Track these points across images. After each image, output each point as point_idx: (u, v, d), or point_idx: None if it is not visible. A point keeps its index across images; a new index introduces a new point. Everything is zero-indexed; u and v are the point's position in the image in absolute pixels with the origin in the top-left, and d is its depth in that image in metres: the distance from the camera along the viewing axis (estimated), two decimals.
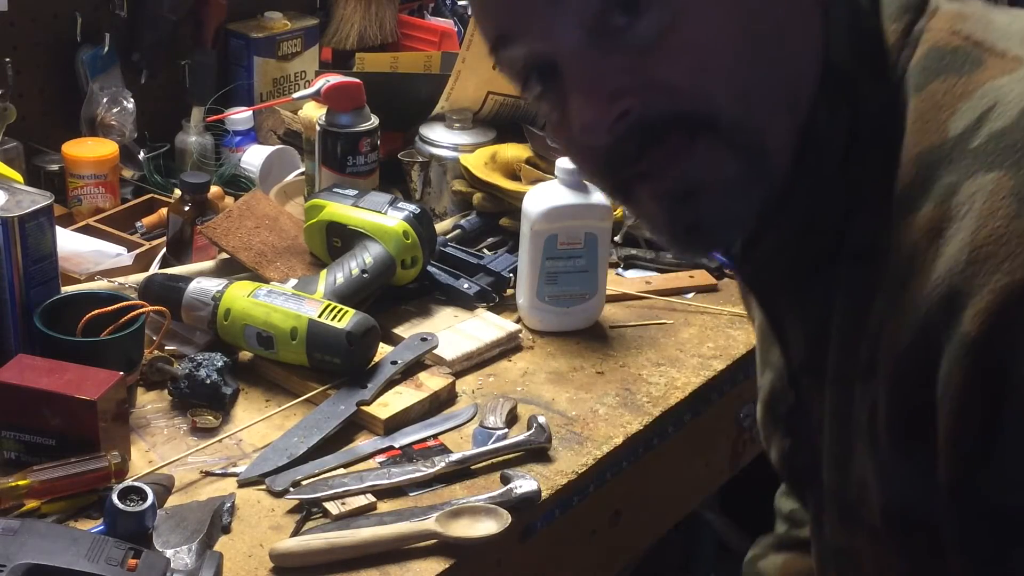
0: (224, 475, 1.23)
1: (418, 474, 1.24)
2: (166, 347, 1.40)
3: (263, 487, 1.22)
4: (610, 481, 1.34)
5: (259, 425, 1.31)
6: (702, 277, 1.68)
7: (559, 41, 0.78)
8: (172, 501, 1.18)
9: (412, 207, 1.53)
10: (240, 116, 1.92)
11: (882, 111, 0.78)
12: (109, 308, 1.31)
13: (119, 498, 1.07)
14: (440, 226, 1.66)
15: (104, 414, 1.18)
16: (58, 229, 1.35)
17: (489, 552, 1.19)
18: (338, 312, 1.35)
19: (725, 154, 0.77)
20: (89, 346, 1.27)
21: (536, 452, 1.30)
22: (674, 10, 0.76)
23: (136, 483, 1.10)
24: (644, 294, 1.63)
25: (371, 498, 1.21)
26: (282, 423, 1.32)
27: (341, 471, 1.25)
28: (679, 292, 1.65)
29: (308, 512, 1.19)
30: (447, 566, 1.14)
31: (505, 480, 1.24)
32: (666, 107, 0.76)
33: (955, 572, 0.74)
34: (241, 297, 1.39)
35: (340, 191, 1.56)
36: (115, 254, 1.57)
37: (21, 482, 1.13)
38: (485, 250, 1.67)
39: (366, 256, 1.48)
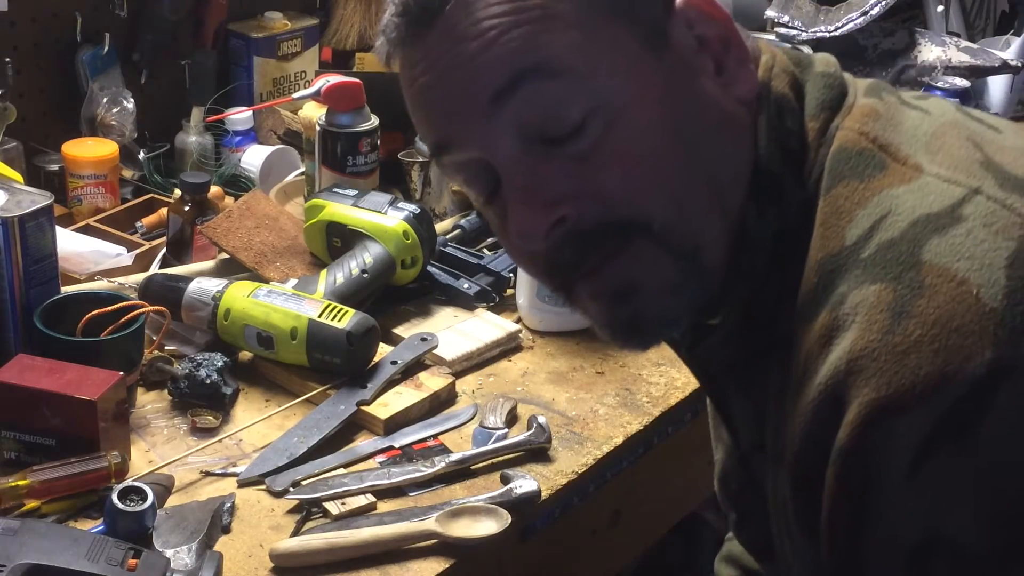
0: (224, 475, 1.23)
1: (418, 474, 1.24)
2: (166, 347, 1.40)
3: (263, 487, 1.22)
4: (610, 481, 1.34)
5: (259, 425, 1.31)
6: None
7: (496, 150, 0.80)
8: (172, 501, 1.18)
9: (412, 207, 1.53)
10: (240, 116, 1.92)
11: (800, 209, 0.81)
12: (109, 308, 1.31)
13: (119, 498, 1.07)
14: (440, 226, 1.66)
15: (104, 414, 1.18)
16: (58, 229, 1.35)
17: (489, 552, 1.19)
18: (338, 312, 1.35)
19: (659, 255, 0.80)
20: (89, 346, 1.27)
21: (536, 452, 1.30)
22: (607, 120, 0.78)
23: (136, 483, 1.10)
24: None
25: (371, 498, 1.21)
26: (282, 423, 1.32)
27: (341, 471, 1.25)
28: None
29: (308, 512, 1.19)
30: (447, 566, 1.14)
31: (505, 480, 1.24)
32: (600, 214, 0.79)
33: None
34: (241, 297, 1.39)
35: (340, 191, 1.56)
36: (115, 254, 1.56)
37: (21, 482, 1.13)
38: (485, 250, 1.67)
39: (366, 256, 1.48)
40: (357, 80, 1.65)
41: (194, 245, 1.58)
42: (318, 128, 1.65)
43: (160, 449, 1.27)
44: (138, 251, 1.59)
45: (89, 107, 1.81)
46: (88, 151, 1.74)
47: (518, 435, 1.30)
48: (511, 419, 1.35)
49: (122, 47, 1.87)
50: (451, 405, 1.38)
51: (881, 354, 0.71)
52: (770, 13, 2.34)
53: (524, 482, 1.23)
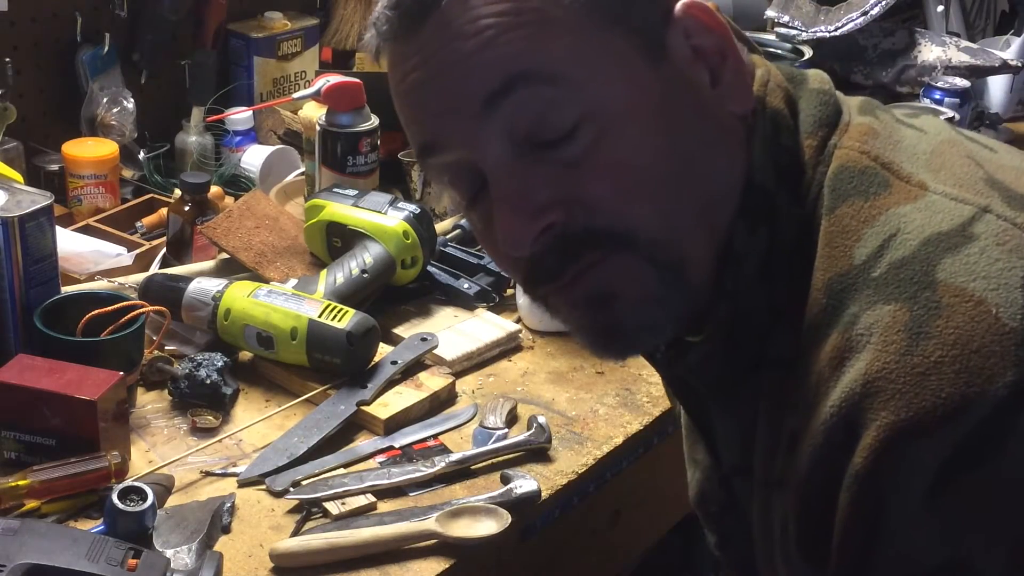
0: (224, 475, 1.23)
1: (418, 474, 1.24)
2: (166, 347, 1.40)
3: (263, 487, 1.22)
4: (610, 481, 1.34)
5: (259, 425, 1.31)
6: None
7: (485, 153, 0.79)
8: (172, 501, 1.18)
9: (412, 207, 1.53)
10: (240, 116, 1.92)
11: (798, 228, 0.80)
12: (109, 308, 1.31)
13: (119, 498, 1.07)
14: (440, 226, 1.66)
15: (104, 414, 1.18)
16: (58, 229, 1.35)
17: (489, 552, 1.19)
18: (338, 312, 1.35)
19: (642, 267, 0.79)
20: (89, 346, 1.27)
21: (536, 452, 1.30)
22: (600, 128, 0.77)
23: (136, 483, 1.10)
24: None
25: (371, 498, 1.21)
26: (282, 423, 1.32)
27: (341, 471, 1.25)
28: None
29: (308, 512, 1.19)
30: (447, 566, 1.14)
31: (505, 480, 1.24)
32: (586, 221, 0.78)
33: None
34: (241, 297, 1.39)
35: (340, 191, 1.56)
36: (115, 254, 1.57)
37: (21, 482, 1.13)
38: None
39: (366, 256, 1.48)
40: (357, 80, 1.65)
41: (194, 245, 1.58)
42: (318, 128, 1.65)
43: (160, 449, 1.27)
44: (138, 251, 1.59)
45: (89, 107, 1.81)
46: (88, 151, 1.74)
47: (518, 435, 1.30)
48: (511, 419, 1.35)
49: (122, 47, 1.87)
50: (451, 405, 1.38)
51: (899, 376, 0.70)
52: (770, 13, 2.34)
53: (524, 482, 1.23)
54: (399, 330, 1.48)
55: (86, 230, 1.66)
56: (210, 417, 1.30)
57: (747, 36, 0.87)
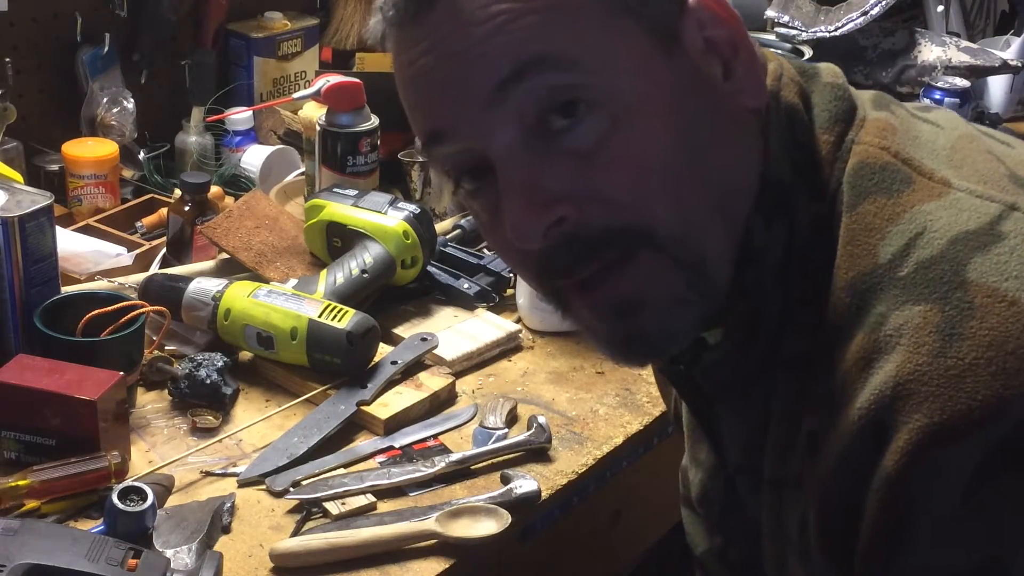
0: (224, 475, 1.23)
1: (418, 474, 1.24)
2: (166, 347, 1.40)
3: (263, 487, 1.22)
4: (610, 481, 1.34)
5: (259, 425, 1.31)
6: None
7: (495, 141, 0.76)
8: (172, 501, 1.18)
9: (412, 207, 1.53)
10: (240, 116, 1.92)
11: (817, 225, 0.78)
12: (109, 308, 1.31)
13: (119, 498, 1.07)
14: (440, 226, 1.66)
15: (104, 414, 1.18)
16: (58, 229, 1.35)
17: (489, 552, 1.19)
18: (338, 312, 1.35)
19: (667, 266, 0.77)
20: (89, 346, 1.27)
21: (536, 452, 1.30)
22: (612, 116, 0.75)
23: (136, 483, 1.10)
24: None
25: (371, 498, 1.21)
26: (282, 423, 1.32)
27: (341, 471, 1.25)
28: None
29: (308, 512, 1.19)
30: (447, 566, 1.14)
31: (505, 480, 1.24)
32: (603, 219, 0.76)
33: None
34: (241, 297, 1.39)
35: (340, 191, 1.56)
36: (115, 254, 1.56)
37: (21, 482, 1.13)
38: (485, 250, 1.67)
39: (366, 256, 1.48)
40: (357, 80, 1.65)
41: (194, 245, 1.58)
42: (318, 128, 1.65)
43: (160, 449, 1.27)
44: (138, 251, 1.59)
45: (89, 107, 1.81)
46: (88, 151, 1.74)
47: (518, 435, 1.30)
48: (511, 419, 1.35)
49: (122, 47, 1.87)
50: (451, 405, 1.38)
51: (932, 378, 0.69)
52: (770, 13, 2.34)
53: (524, 482, 1.23)
54: (399, 330, 1.48)
55: (86, 230, 1.66)
56: (210, 417, 1.30)
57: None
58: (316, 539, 1.13)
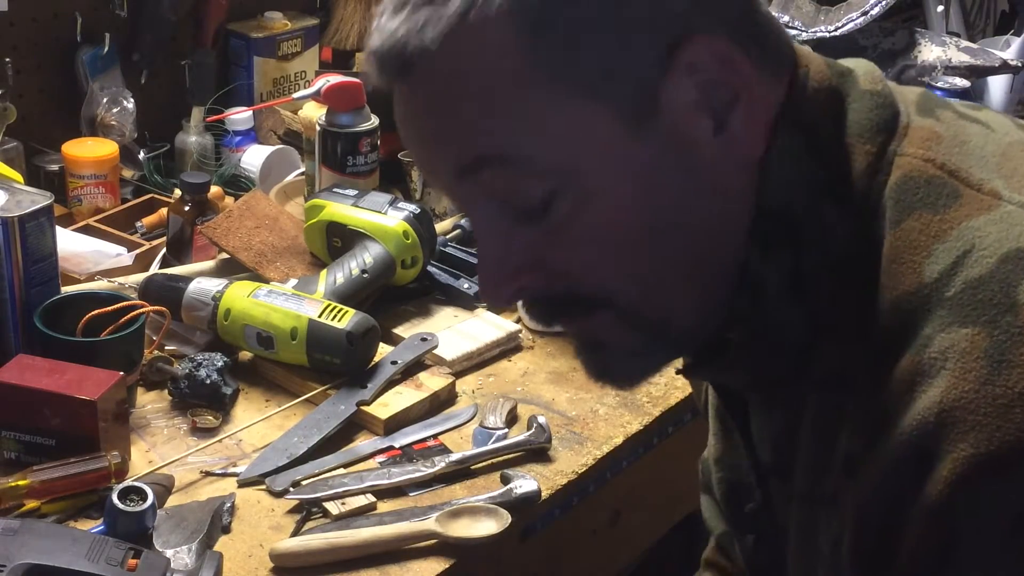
0: (224, 475, 1.23)
1: (418, 474, 1.24)
2: (166, 347, 1.40)
3: (263, 487, 1.22)
4: (610, 481, 1.34)
5: (259, 425, 1.31)
6: None
7: (468, 207, 0.79)
8: (172, 501, 1.18)
9: (412, 207, 1.53)
10: (240, 116, 1.91)
11: (852, 238, 0.75)
12: (109, 308, 1.31)
13: (119, 498, 1.07)
14: (440, 226, 1.66)
15: (104, 414, 1.18)
16: (58, 229, 1.36)
17: (489, 552, 1.19)
18: (338, 312, 1.35)
19: (623, 328, 0.78)
20: (89, 346, 1.27)
21: (536, 452, 1.30)
22: (576, 197, 0.74)
23: (136, 483, 1.10)
24: None
25: (371, 498, 1.21)
26: (282, 423, 1.32)
27: (341, 471, 1.25)
28: None
29: (308, 512, 1.19)
30: (447, 566, 1.14)
31: (505, 480, 1.24)
32: (565, 288, 0.77)
33: None
34: (241, 297, 1.39)
35: (340, 191, 1.56)
36: (115, 254, 1.56)
37: (21, 482, 1.13)
38: None
39: (366, 256, 1.48)
40: (357, 80, 1.65)
41: (194, 245, 1.58)
42: (318, 128, 1.65)
43: (160, 449, 1.27)
44: (138, 251, 1.59)
45: (89, 107, 1.81)
46: (88, 151, 1.74)
47: (518, 435, 1.30)
48: (511, 419, 1.35)
49: (122, 47, 1.87)
50: (451, 405, 1.38)
51: (980, 406, 0.66)
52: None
53: (524, 482, 1.23)
54: (399, 330, 1.48)
55: (86, 230, 1.66)
56: (210, 417, 1.30)
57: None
58: (316, 539, 1.13)
